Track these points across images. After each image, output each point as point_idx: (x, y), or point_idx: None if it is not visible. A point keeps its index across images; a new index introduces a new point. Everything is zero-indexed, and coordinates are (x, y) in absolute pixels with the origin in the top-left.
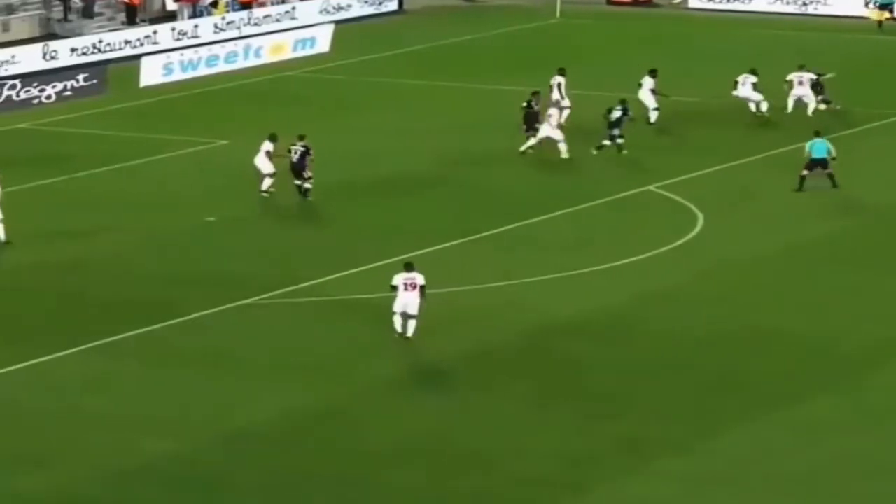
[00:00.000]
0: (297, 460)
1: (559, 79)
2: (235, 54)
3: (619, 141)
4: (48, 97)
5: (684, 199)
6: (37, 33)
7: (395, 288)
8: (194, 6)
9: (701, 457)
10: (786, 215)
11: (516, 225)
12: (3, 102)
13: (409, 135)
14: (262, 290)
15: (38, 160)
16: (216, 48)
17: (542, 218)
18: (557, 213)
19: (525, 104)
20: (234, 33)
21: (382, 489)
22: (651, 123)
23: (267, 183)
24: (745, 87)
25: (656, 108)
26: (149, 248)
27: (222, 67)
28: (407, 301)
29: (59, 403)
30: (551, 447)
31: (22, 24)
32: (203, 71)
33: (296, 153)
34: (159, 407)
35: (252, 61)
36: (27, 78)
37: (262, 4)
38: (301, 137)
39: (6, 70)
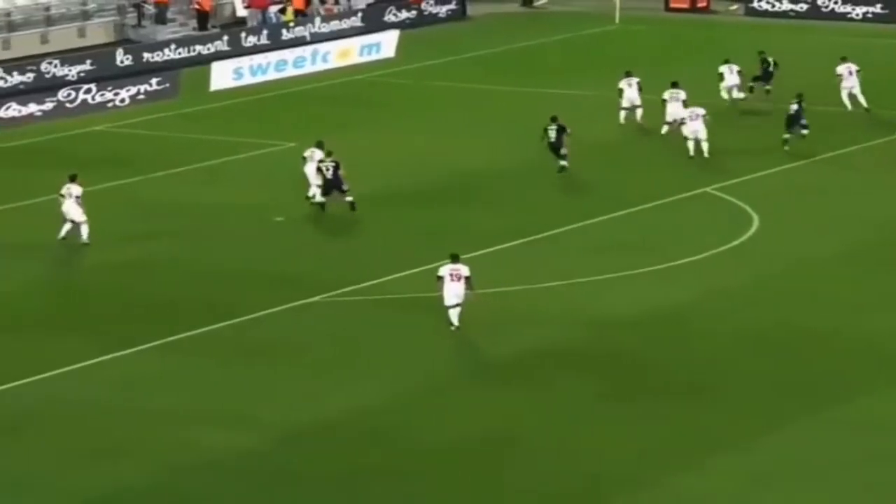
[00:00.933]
0: (360, 455)
1: (633, 80)
2: (303, 59)
3: (564, 162)
4: (122, 101)
5: (740, 200)
6: (112, 38)
7: (440, 279)
8: (264, 12)
9: (760, 453)
10: (842, 217)
11: (574, 226)
12: (79, 106)
13: (471, 137)
14: (326, 289)
15: (112, 161)
16: (285, 53)
17: (599, 219)
18: (614, 215)
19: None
20: (302, 39)
21: (443, 485)
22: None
23: (315, 191)
24: (733, 76)
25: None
26: (218, 247)
27: (290, 72)
28: (457, 292)
29: (129, 399)
30: (611, 443)
31: (97, 29)
32: (272, 75)
33: (328, 170)
34: (226, 403)
35: (319, 66)
36: (102, 82)
37: (329, 11)
38: (329, 154)
39: (82, 74)
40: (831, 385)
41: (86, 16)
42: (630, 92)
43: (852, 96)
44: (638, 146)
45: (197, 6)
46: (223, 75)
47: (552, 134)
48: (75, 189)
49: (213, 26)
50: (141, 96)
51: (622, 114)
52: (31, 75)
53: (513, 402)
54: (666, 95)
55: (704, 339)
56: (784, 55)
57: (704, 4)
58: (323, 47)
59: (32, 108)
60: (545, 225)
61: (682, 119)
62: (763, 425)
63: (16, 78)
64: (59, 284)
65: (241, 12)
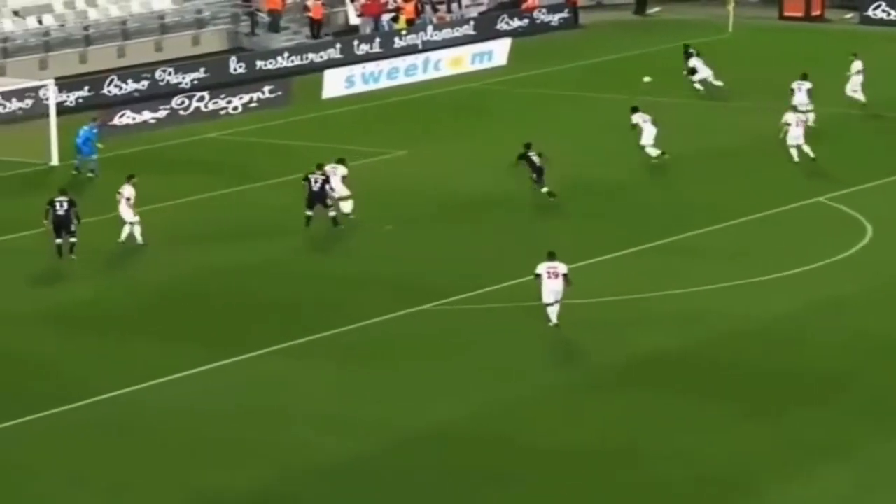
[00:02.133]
0: (474, 460)
1: (806, 84)
2: (415, 67)
3: (546, 189)
4: (235, 108)
5: (854, 210)
6: (225, 47)
7: (538, 276)
8: (376, 20)
9: (868, 461)
10: None
11: (686, 235)
12: (192, 113)
13: (583, 146)
14: (439, 296)
15: (225, 168)
16: (396, 61)
17: (711, 228)
18: (727, 224)
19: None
20: (414, 47)
21: (556, 490)
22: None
23: (349, 206)
24: (801, 94)
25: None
26: (330, 253)
27: (402, 80)
28: (555, 289)
29: (243, 404)
30: (722, 448)
31: (211, 37)
32: (383, 83)
33: (316, 182)
34: (339, 407)
35: (431, 74)
36: (215, 90)
37: (441, 19)
38: (319, 166)
39: (195, 82)
40: None
41: (200, 24)
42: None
43: None
44: (750, 154)
45: (310, 14)
46: (335, 83)
47: (537, 159)
48: (127, 190)
49: (326, 34)
50: (253, 104)
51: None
52: (145, 83)
53: (627, 408)
54: (794, 85)
55: (818, 349)
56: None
57: (819, 13)
58: (435, 55)
59: (146, 115)
60: (656, 234)
61: (787, 123)
62: (874, 433)
63: (130, 86)
64: (174, 289)
65: (354, 20)
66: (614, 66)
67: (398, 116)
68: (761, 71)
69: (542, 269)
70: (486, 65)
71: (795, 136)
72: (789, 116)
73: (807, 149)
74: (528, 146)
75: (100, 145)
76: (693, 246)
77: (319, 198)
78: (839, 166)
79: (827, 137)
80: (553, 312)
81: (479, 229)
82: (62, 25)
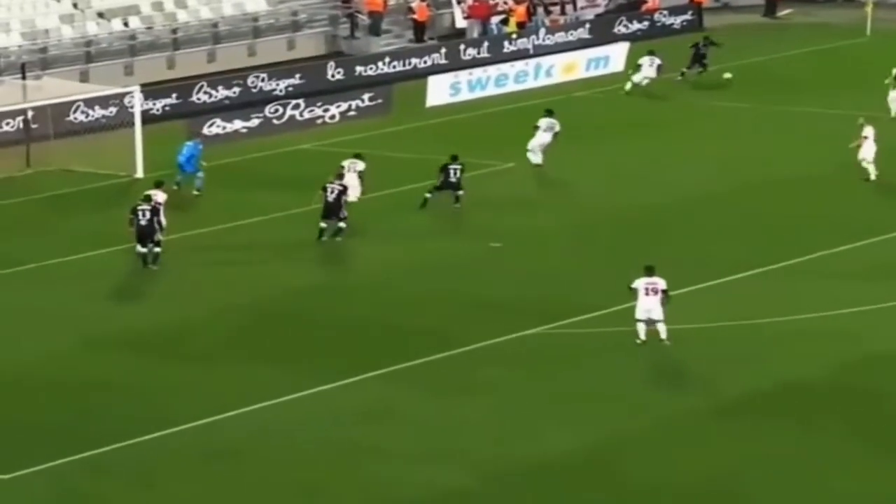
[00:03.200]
0: (577, 495)
1: None
2: (525, 73)
3: (460, 192)
4: (332, 117)
5: None
6: (322, 51)
7: (634, 291)
8: (484, 23)
9: None
10: None
11: (821, 254)
12: (286, 122)
13: (704, 158)
14: (547, 320)
15: (320, 181)
16: (505, 67)
17: (849, 246)
18: (866, 242)
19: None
20: (525, 51)
21: None
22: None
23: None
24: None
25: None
26: (432, 274)
27: (511, 87)
28: (650, 306)
29: (336, 433)
30: (856, 487)
31: (307, 41)
32: (491, 90)
33: (332, 192)
34: (441, 438)
35: (542, 81)
36: (311, 97)
37: (554, 22)
38: (340, 176)
39: (290, 89)
40: None
41: (296, 27)
42: None
43: None
44: (883, 168)
45: (414, 17)
46: (440, 90)
47: (453, 174)
48: (159, 196)
49: (430, 38)
50: (352, 112)
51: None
52: (236, 90)
53: (753, 443)
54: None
55: None
56: None
57: None
58: (547, 61)
59: (237, 124)
60: (787, 252)
61: (865, 137)
62: None
63: (221, 92)
64: (263, 310)
65: (461, 23)
66: (741, 72)
67: (507, 126)
68: None
69: (639, 283)
70: (602, 71)
71: (866, 152)
72: (868, 130)
73: (872, 167)
74: (453, 158)
75: (203, 163)
76: (829, 265)
77: (335, 210)
78: None
79: None
80: (662, 331)
81: (593, 248)
82: (149, 28)
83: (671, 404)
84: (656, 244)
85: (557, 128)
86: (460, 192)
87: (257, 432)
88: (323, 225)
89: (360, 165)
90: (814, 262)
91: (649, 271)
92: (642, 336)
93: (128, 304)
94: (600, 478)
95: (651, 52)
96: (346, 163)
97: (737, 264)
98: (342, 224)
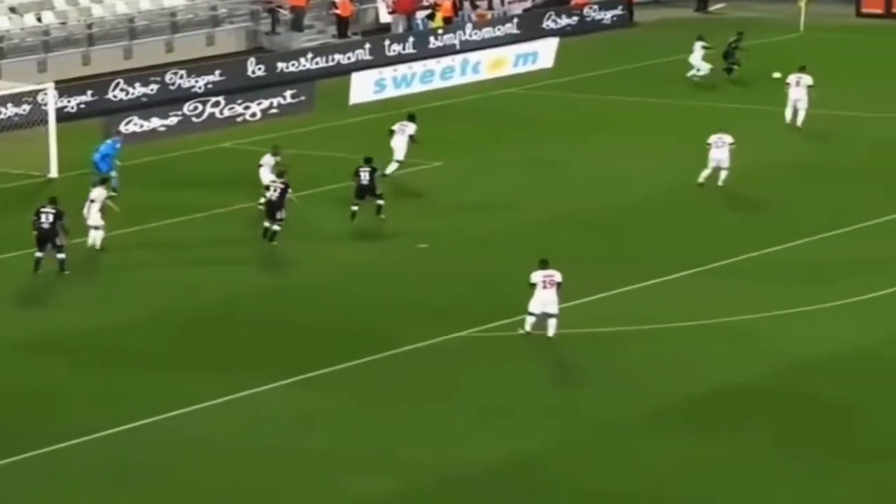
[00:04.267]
0: (516, 503)
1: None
2: (452, 69)
3: (381, 202)
4: (253, 115)
5: None
6: (243, 47)
7: (533, 286)
8: (409, 18)
9: None
10: None
11: (755, 254)
12: (205, 120)
13: (637, 157)
14: (478, 322)
15: (241, 181)
16: (431, 63)
17: (784, 247)
18: (801, 242)
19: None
20: (452, 47)
21: None
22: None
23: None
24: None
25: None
26: (359, 275)
27: (438, 84)
28: (546, 299)
29: (265, 440)
30: (788, 495)
31: (227, 37)
32: (417, 87)
33: (275, 191)
34: (371, 445)
35: (469, 77)
36: (232, 94)
37: (481, 17)
38: (281, 174)
39: (209, 86)
40: None
41: (215, 22)
42: (796, 91)
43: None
44: (823, 164)
45: (336, 11)
46: (364, 87)
47: (364, 176)
48: (96, 194)
49: (354, 33)
50: (274, 110)
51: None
52: (154, 87)
53: (684, 449)
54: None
55: None
56: None
57: None
58: (474, 57)
59: (155, 122)
60: (721, 252)
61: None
62: None
63: (138, 90)
64: (184, 314)
65: (385, 18)
66: (673, 69)
67: (433, 124)
68: (835, 75)
69: (537, 277)
70: (531, 67)
71: (717, 158)
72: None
73: (724, 174)
74: (365, 160)
75: (118, 162)
76: (763, 266)
77: (369, 190)
78: None
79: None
80: (551, 326)
81: (523, 249)
82: (63, 23)
83: (603, 410)
84: (586, 245)
85: (410, 131)
86: (381, 203)
87: (178, 441)
88: (266, 224)
89: (412, 128)
90: (745, 263)
91: (544, 264)
92: (528, 328)
93: (41, 308)
94: (531, 486)
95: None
96: (397, 126)
97: (669, 265)
98: (276, 227)
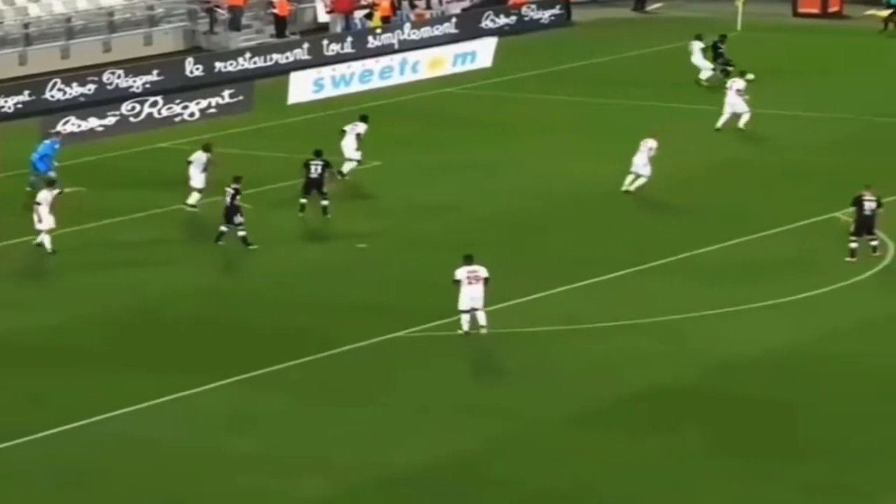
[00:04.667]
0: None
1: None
2: (391, 69)
3: (325, 203)
4: (191, 115)
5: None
6: (180, 47)
7: (458, 282)
8: (348, 18)
9: None
10: None
11: (687, 254)
12: (143, 120)
13: (575, 157)
14: (417, 322)
15: (180, 181)
16: (370, 63)
17: (717, 246)
18: (735, 242)
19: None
20: (390, 47)
21: None
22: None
23: (195, 197)
24: (731, 93)
25: (356, 160)
26: (298, 275)
27: (376, 83)
28: (474, 295)
29: (202, 441)
30: (724, 497)
31: (165, 37)
32: (356, 87)
33: (227, 195)
34: (309, 446)
35: (408, 77)
36: (170, 94)
37: (420, 16)
38: (237, 179)
39: (147, 86)
40: None
41: (153, 22)
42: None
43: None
44: (758, 164)
45: (274, 11)
46: (302, 87)
47: (315, 170)
48: (42, 196)
49: (292, 33)
50: (212, 110)
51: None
52: (92, 87)
53: (615, 450)
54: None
55: (834, 382)
56: None
57: (837, 9)
58: (412, 56)
59: (93, 122)
60: (655, 253)
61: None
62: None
63: (76, 90)
64: (123, 314)
65: (323, 17)
66: (610, 69)
67: (372, 124)
68: (771, 74)
69: (461, 273)
70: (469, 67)
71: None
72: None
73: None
74: (316, 153)
75: (55, 163)
76: (695, 266)
77: (318, 184)
78: (854, 181)
79: (848, 148)
80: (481, 318)
81: (461, 249)
82: None
83: (536, 410)
84: (522, 245)
85: (359, 130)
86: (325, 203)
87: (119, 440)
88: (224, 229)
89: (362, 127)
90: (678, 263)
91: (468, 260)
92: (465, 327)
93: None
94: (465, 486)
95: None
96: (348, 127)
97: (603, 265)
98: (241, 232)
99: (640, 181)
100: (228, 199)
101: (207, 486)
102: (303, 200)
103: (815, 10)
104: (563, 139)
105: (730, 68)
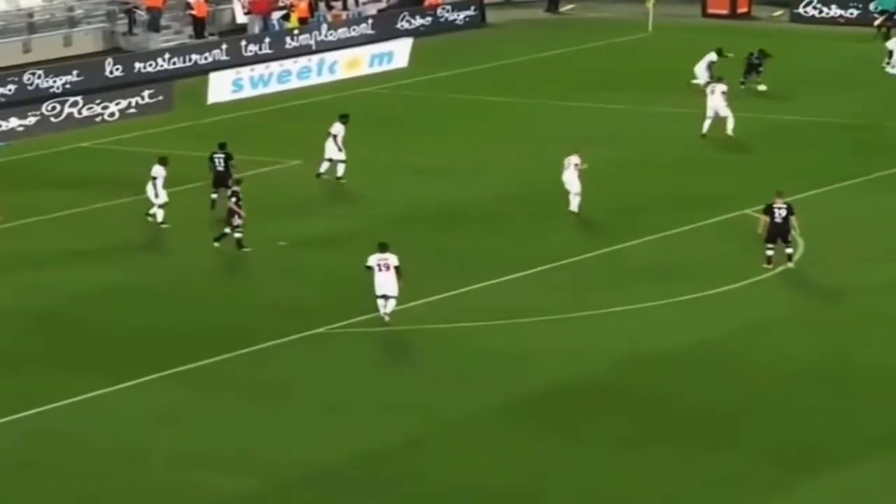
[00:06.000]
0: (374, 501)
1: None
2: (308, 69)
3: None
4: (111, 115)
5: None
6: (100, 47)
7: (369, 269)
8: (265, 19)
9: (801, 496)
10: (890, 241)
11: (599, 252)
12: (64, 120)
13: (489, 155)
14: (335, 319)
15: (100, 181)
16: (288, 63)
17: (628, 244)
18: (645, 239)
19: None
20: (308, 47)
21: None
22: (320, 174)
23: (161, 215)
24: (716, 96)
25: (341, 161)
26: (219, 273)
27: (294, 83)
28: (383, 282)
29: (126, 439)
30: (638, 490)
31: (85, 38)
32: (274, 87)
33: (220, 162)
34: (226, 443)
35: (326, 77)
36: (90, 94)
37: (336, 17)
38: (237, 182)
39: (67, 86)
40: (880, 423)
41: (72, 23)
42: (713, 100)
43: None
44: (669, 165)
45: (193, 12)
46: (221, 87)
47: (219, 162)
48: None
49: (211, 34)
50: (132, 110)
51: (705, 123)
52: (12, 87)
53: (529, 445)
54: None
55: (742, 375)
56: (830, 63)
57: (745, 10)
58: (330, 57)
59: (13, 122)
60: (567, 251)
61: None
62: (806, 466)
63: None
64: (44, 314)
65: (242, 19)
66: (523, 69)
67: (291, 123)
68: (682, 73)
69: (373, 260)
70: (386, 67)
71: (568, 180)
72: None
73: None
74: (220, 146)
75: None
76: (607, 264)
77: (226, 177)
78: (765, 178)
79: (757, 146)
80: (389, 306)
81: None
82: None
83: (452, 406)
84: (439, 241)
85: (334, 131)
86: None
87: (34, 438)
88: (214, 196)
89: (338, 128)
90: (592, 261)
91: (382, 248)
92: (383, 311)
93: None
94: (386, 482)
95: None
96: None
97: (519, 262)
98: (238, 234)
99: (576, 199)
100: (222, 166)
101: (130, 482)
102: (213, 196)
103: (724, 11)
104: (478, 137)
105: (760, 87)
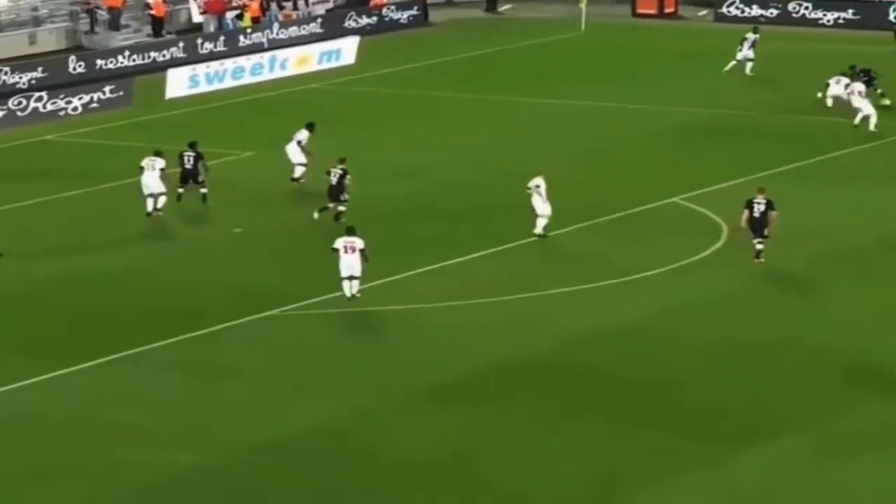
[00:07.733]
0: (322, 474)
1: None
2: (261, 66)
3: (204, 191)
4: (74, 109)
5: (710, 211)
6: (63, 45)
7: (335, 251)
8: (220, 18)
9: (732, 472)
10: (812, 228)
11: (543, 236)
12: (29, 114)
13: (433, 147)
14: (288, 301)
15: (64, 172)
16: (242, 60)
17: (564, 230)
18: (580, 226)
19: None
20: (260, 45)
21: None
22: (296, 179)
23: (162, 201)
24: (839, 86)
25: (302, 164)
26: (175, 258)
27: (248, 79)
28: (349, 263)
29: (83, 416)
30: (576, 463)
31: (48, 36)
32: (228, 83)
33: (335, 176)
34: (187, 420)
35: (277, 73)
36: (54, 90)
37: (287, 16)
38: (342, 160)
39: (32, 82)
40: (809, 400)
41: (36, 22)
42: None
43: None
44: (603, 156)
45: (151, 12)
46: (179, 83)
47: (188, 160)
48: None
49: (169, 32)
50: (94, 105)
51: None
52: None
53: (471, 420)
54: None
55: (672, 354)
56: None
57: (672, 10)
58: (281, 54)
59: None
60: (506, 236)
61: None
62: (738, 442)
63: None
64: (11, 299)
65: (197, 18)
66: (464, 65)
67: (244, 117)
68: (614, 70)
69: (339, 243)
70: (334, 64)
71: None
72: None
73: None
74: (189, 145)
75: None
76: (543, 248)
77: (193, 175)
78: (693, 167)
79: (686, 136)
80: (354, 287)
81: (330, 233)
82: None
83: (397, 385)
84: (386, 231)
85: (299, 137)
86: (204, 191)
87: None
88: (180, 190)
89: (304, 134)
90: (532, 245)
91: (350, 231)
92: (346, 292)
93: None
94: (337, 454)
95: (755, 31)
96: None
97: (465, 246)
98: (204, 190)
99: (543, 221)
100: (335, 179)
101: (90, 457)
102: (180, 190)
103: (652, 11)
104: (421, 131)
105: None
